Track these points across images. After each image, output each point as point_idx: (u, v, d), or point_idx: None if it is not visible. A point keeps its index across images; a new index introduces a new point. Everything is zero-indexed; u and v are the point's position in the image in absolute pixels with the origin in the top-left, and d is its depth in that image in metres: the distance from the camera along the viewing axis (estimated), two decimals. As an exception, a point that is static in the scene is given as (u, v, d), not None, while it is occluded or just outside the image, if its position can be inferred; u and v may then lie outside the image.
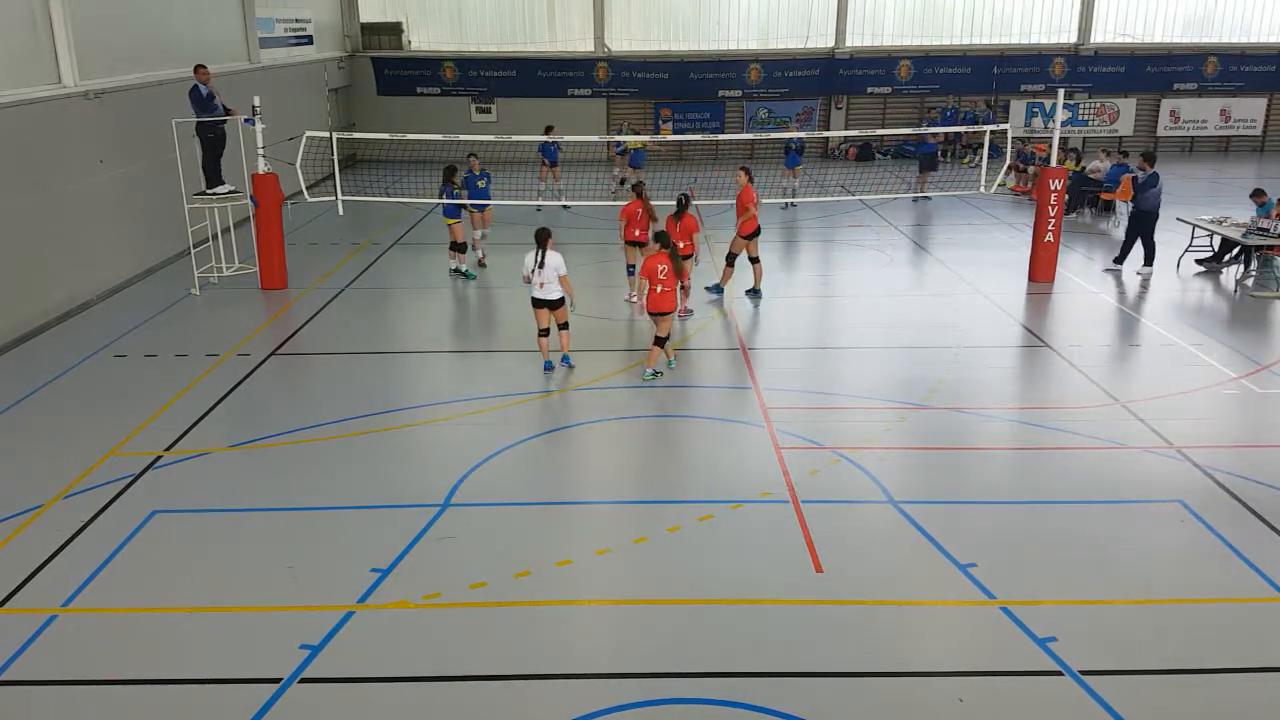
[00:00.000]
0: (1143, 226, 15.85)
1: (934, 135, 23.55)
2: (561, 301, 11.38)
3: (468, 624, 6.80)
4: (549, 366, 11.61)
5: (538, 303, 11.35)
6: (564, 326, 11.62)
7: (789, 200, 21.44)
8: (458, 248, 16.01)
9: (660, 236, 11.69)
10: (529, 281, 11.27)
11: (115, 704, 6.06)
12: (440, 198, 15.94)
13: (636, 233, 14.00)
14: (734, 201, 14.50)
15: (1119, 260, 16.17)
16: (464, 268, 16.09)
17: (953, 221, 20.19)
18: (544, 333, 11.52)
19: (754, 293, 14.61)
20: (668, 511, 8.29)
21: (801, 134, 24.32)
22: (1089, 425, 10.00)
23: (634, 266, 14.29)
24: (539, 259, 11.13)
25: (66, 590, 7.17)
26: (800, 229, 19.77)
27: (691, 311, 13.83)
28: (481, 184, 16.44)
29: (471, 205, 16.17)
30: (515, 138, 18.88)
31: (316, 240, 18.62)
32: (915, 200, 22.22)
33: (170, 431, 9.95)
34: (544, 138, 19.89)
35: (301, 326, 13.59)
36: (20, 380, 11.41)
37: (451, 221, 15.86)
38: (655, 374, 11.38)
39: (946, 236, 18.80)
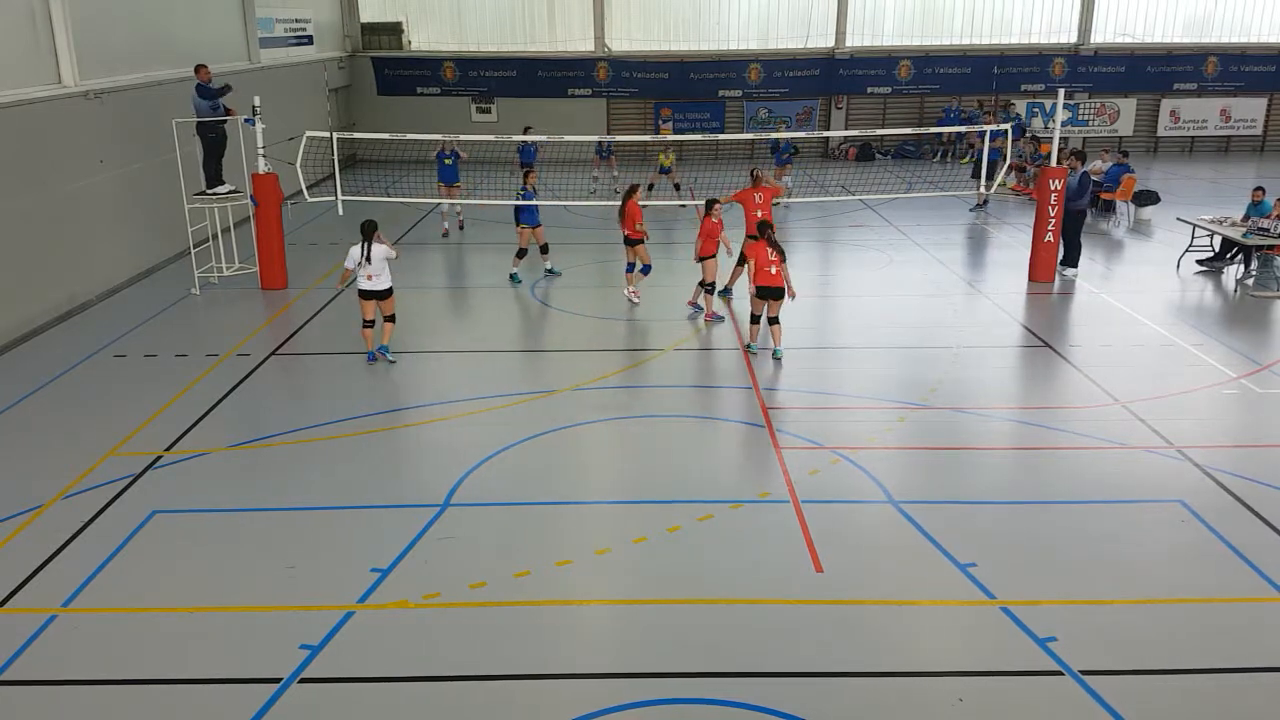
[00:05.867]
0: (1077, 226, 15.83)
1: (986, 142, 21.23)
2: (388, 293, 11.75)
3: (468, 624, 6.80)
4: (372, 358, 11.94)
5: (365, 294, 11.72)
6: (390, 319, 11.98)
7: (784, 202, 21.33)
8: (520, 254, 15.76)
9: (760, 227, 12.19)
10: (353, 275, 11.67)
11: (115, 704, 6.06)
12: (517, 197, 15.70)
13: (625, 233, 14.20)
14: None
15: (1073, 264, 16.00)
16: (516, 271, 15.74)
17: (953, 221, 20.19)
18: (369, 324, 11.90)
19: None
20: (668, 511, 8.29)
21: (787, 135, 23.30)
22: (1089, 425, 10.00)
23: (632, 264, 14.52)
24: (365, 252, 11.51)
25: (66, 590, 7.17)
26: (800, 229, 19.76)
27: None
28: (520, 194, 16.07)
29: (525, 218, 15.61)
30: (515, 138, 18.93)
31: (316, 240, 18.61)
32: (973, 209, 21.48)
33: (170, 431, 9.96)
34: (524, 138, 19.76)
35: (301, 326, 13.59)
36: (20, 380, 11.41)
37: (520, 226, 15.53)
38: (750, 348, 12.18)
39: (946, 236, 18.80)
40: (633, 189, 14.57)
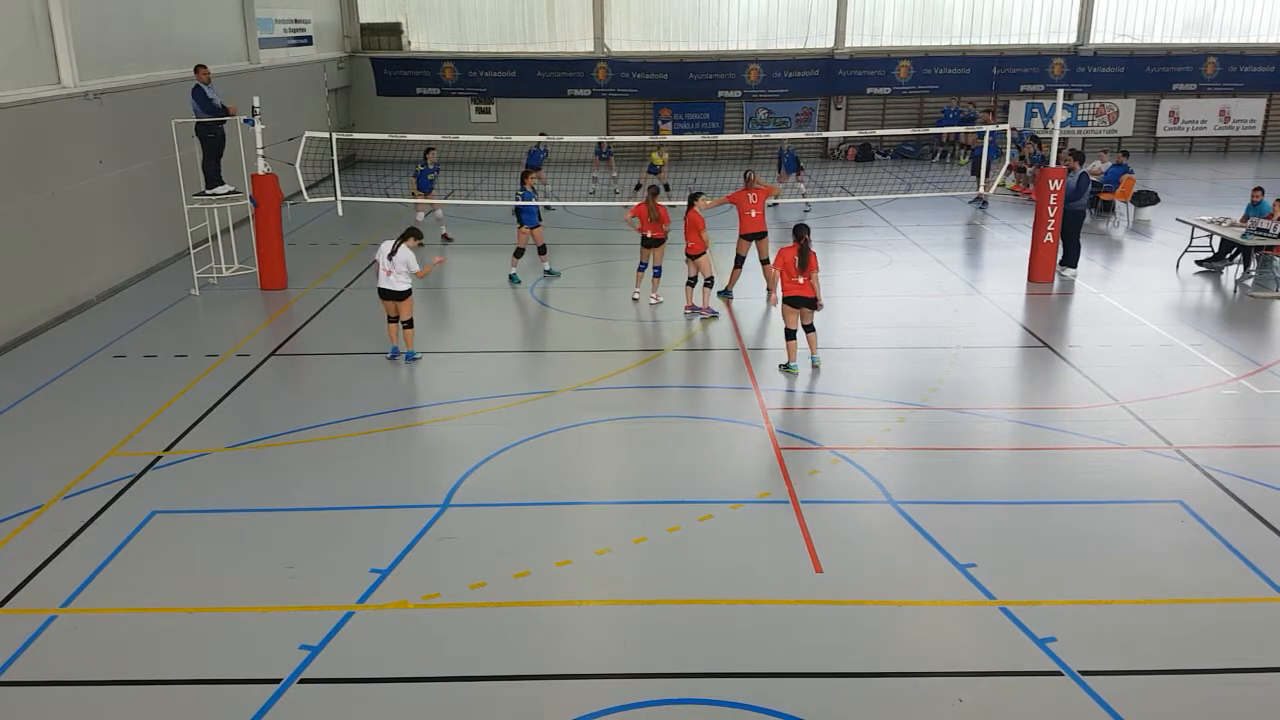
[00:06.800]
0: (1076, 226, 15.84)
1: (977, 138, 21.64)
2: (405, 294, 11.86)
3: (468, 624, 6.80)
4: (395, 354, 12.19)
5: (382, 293, 11.92)
6: (407, 324, 12.05)
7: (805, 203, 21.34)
8: (518, 253, 15.67)
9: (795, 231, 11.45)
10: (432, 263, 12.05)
11: (115, 704, 6.06)
12: (515, 198, 15.57)
13: (649, 233, 14.11)
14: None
15: (1072, 264, 15.96)
16: (515, 271, 15.67)
17: (953, 221, 20.20)
18: (393, 320, 12.09)
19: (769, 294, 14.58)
20: (668, 511, 8.29)
21: (787, 135, 23.37)
22: (1089, 425, 10.01)
23: (645, 264, 14.49)
24: (393, 248, 11.67)
25: (66, 590, 7.17)
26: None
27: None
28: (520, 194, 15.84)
29: (524, 219, 15.41)
30: (515, 138, 18.94)
31: (316, 240, 18.61)
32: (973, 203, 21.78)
33: (170, 431, 9.96)
34: (536, 138, 19.90)
35: (301, 326, 13.59)
36: (20, 380, 11.41)
37: (522, 227, 15.37)
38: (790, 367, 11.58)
39: (946, 237, 18.81)
40: (695, 197, 13.78)
